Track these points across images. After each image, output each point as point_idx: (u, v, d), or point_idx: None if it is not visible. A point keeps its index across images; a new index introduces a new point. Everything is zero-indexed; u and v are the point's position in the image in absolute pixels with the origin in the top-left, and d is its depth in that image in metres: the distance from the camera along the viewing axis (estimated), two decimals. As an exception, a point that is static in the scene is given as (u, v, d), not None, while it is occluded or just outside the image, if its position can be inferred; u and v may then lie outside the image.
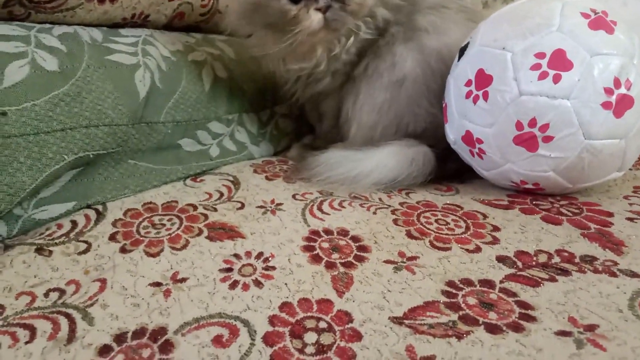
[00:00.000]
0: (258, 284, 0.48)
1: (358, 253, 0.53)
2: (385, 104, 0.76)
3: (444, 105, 0.72)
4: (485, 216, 0.62)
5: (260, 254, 0.53)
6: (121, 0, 0.75)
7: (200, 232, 0.58)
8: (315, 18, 0.69)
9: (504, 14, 0.66)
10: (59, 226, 0.58)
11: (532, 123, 0.59)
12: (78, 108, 0.62)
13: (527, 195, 0.68)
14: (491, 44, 0.63)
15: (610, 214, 0.62)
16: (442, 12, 0.76)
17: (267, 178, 0.75)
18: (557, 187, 0.65)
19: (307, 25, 0.69)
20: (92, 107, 0.63)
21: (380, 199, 0.68)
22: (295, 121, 0.98)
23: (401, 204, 0.66)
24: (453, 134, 0.70)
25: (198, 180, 0.74)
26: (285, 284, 0.48)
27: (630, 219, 0.61)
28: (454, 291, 0.47)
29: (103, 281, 0.48)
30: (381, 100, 0.76)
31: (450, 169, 0.75)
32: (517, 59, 0.60)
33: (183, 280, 0.48)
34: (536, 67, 0.59)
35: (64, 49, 0.64)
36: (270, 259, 0.52)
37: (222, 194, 0.69)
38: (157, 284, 0.48)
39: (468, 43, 0.68)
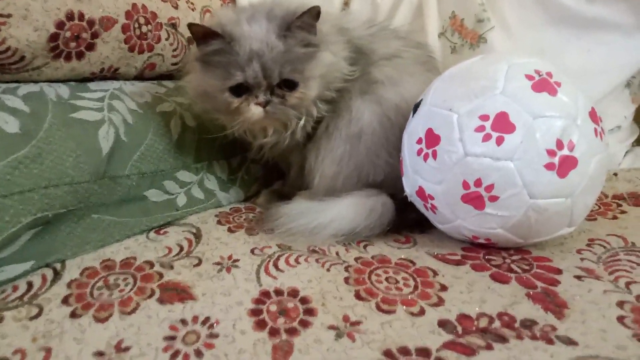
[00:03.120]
0: (198, 353, 0.49)
1: (304, 317, 0.54)
2: (345, 156, 0.77)
3: (400, 158, 0.73)
4: (435, 273, 0.63)
5: (206, 319, 0.54)
6: (88, 57, 0.77)
7: (152, 293, 0.59)
8: (255, 111, 0.73)
9: (454, 73, 0.68)
10: (15, 288, 0.59)
11: (478, 183, 0.61)
12: (38, 169, 0.63)
13: (481, 248, 0.69)
14: (440, 104, 0.65)
15: (559, 271, 0.63)
16: (396, 62, 0.79)
17: (229, 230, 0.76)
18: (508, 242, 0.66)
19: (249, 117, 0.73)
20: (52, 168, 0.65)
21: (337, 253, 0.69)
22: (265, 166, 0.99)
23: (356, 259, 0.67)
24: (408, 188, 0.71)
25: (162, 232, 0.75)
26: (226, 354, 0.49)
27: (578, 277, 0.62)
28: (389, 361, 0.48)
29: (48, 350, 0.49)
30: (341, 152, 0.77)
31: (410, 218, 0.77)
32: (463, 120, 0.62)
33: (126, 349, 0.49)
34: (480, 129, 0.60)
35: (27, 110, 0.66)
36: (215, 325, 0.53)
37: (182, 248, 0.70)
38: (100, 354, 0.49)
39: (421, 100, 0.70)
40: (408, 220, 0.77)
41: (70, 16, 0.71)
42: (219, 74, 0.72)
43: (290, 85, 0.72)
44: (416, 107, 0.70)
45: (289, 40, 0.71)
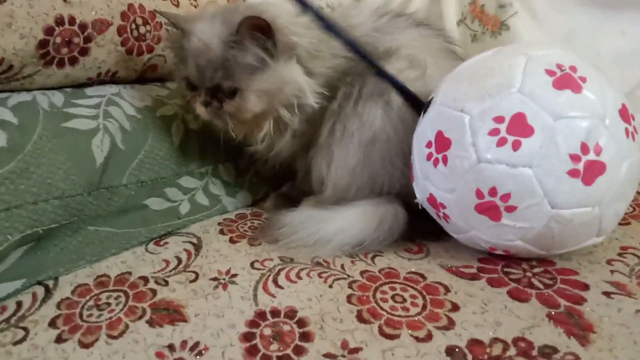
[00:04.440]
0: (182, 386, 0.45)
1: (299, 343, 0.50)
2: (359, 166, 0.72)
3: (410, 163, 0.67)
4: (447, 290, 0.58)
5: (195, 345, 0.50)
6: (83, 62, 0.74)
7: (143, 314, 0.56)
8: (199, 110, 0.72)
9: (467, 69, 0.62)
10: (3, 309, 0.57)
11: (492, 192, 0.55)
12: (25, 185, 0.61)
13: (500, 259, 0.64)
14: (450, 104, 0.59)
15: (586, 287, 0.57)
16: (400, 57, 0.72)
17: (231, 240, 0.73)
18: (530, 254, 0.61)
19: (199, 113, 0.73)
20: (40, 182, 0.62)
21: (342, 266, 0.64)
22: (274, 167, 0.95)
23: (362, 273, 0.63)
24: (419, 194, 0.66)
25: (161, 243, 0.72)
26: (210, 387, 0.45)
27: (607, 294, 0.55)
28: (388, 397, 0.43)
29: (28, 380, 0.47)
30: (354, 162, 0.72)
31: (425, 228, 0.71)
32: (475, 122, 0.56)
33: (108, 380, 0.46)
34: (494, 132, 0.54)
35: (16, 122, 0.64)
36: (204, 351, 0.49)
37: (179, 262, 0.67)
38: (81, 385, 0.46)
39: (432, 99, 0.64)
40: (422, 230, 0.71)
41: (59, 21, 0.68)
42: (177, 63, 0.74)
43: (228, 92, 0.69)
44: (427, 106, 0.64)
45: (234, 48, 0.67)
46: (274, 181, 0.94)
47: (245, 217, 0.82)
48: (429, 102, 0.64)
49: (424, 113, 0.64)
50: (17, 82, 0.69)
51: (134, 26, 0.80)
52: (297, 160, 0.81)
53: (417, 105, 0.69)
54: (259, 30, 0.66)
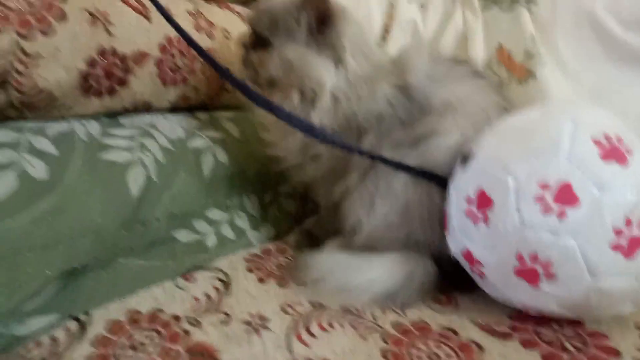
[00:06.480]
0: None
1: (338, 403, 0.50)
2: (397, 223, 0.71)
3: (444, 212, 0.68)
4: (480, 349, 0.58)
5: (233, 399, 0.50)
6: (120, 93, 0.74)
7: (178, 357, 0.55)
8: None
9: (512, 127, 0.63)
10: (37, 344, 0.56)
11: (534, 258, 0.55)
12: (63, 219, 0.60)
13: (531, 318, 0.64)
14: (493, 162, 0.60)
15: (617, 353, 0.57)
16: (453, 115, 0.69)
17: (259, 280, 0.73)
18: (564, 317, 0.61)
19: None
20: (78, 217, 0.62)
21: (373, 315, 0.64)
22: (299, 200, 0.95)
23: (394, 325, 0.63)
24: (454, 247, 0.66)
25: (190, 279, 0.72)
26: None
27: (639, 362, 0.56)
28: None
29: None
30: (394, 219, 0.71)
31: (459, 284, 0.71)
32: (521, 186, 0.56)
33: None
34: (540, 199, 0.55)
35: (56, 153, 0.64)
36: (242, 407, 0.49)
37: (209, 299, 0.66)
38: None
39: (471, 151, 0.64)
40: (458, 286, 0.71)
41: (102, 53, 0.68)
42: None
43: (262, 41, 0.74)
44: (465, 158, 0.65)
45: (290, 8, 0.70)
46: (297, 216, 0.95)
47: (270, 252, 0.82)
48: (468, 155, 0.64)
49: (463, 164, 0.65)
50: (55, 110, 0.68)
51: (171, 58, 0.80)
52: (320, 190, 0.80)
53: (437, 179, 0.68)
54: (320, 12, 0.68)
